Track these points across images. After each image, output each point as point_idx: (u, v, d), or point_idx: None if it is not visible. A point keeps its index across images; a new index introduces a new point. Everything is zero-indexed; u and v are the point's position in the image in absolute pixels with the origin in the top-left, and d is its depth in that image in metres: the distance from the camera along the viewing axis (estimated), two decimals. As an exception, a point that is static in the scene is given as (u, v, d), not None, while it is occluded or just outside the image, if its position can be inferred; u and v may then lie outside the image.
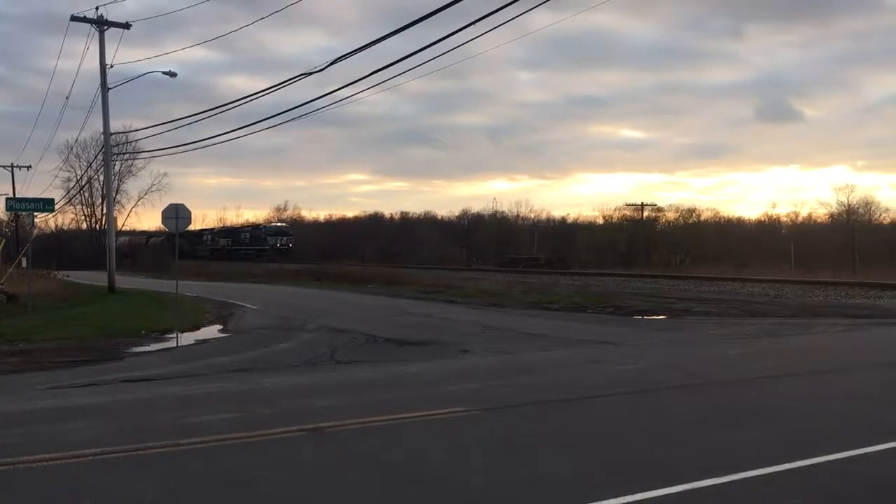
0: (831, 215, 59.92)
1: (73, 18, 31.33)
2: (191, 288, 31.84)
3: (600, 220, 70.55)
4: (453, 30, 17.35)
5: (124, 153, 61.65)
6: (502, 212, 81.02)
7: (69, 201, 77.55)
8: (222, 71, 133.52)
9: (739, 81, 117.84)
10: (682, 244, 59.28)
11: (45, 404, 9.39)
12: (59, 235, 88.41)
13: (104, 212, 62.93)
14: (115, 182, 69.51)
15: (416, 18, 17.44)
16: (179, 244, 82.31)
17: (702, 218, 66.19)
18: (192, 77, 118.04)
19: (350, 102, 76.89)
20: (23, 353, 14.17)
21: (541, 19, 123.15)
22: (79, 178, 75.01)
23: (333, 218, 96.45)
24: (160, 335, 17.17)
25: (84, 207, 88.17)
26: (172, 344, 15.99)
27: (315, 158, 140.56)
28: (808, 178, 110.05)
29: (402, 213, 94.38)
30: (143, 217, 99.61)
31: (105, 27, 31.47)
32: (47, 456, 6.63)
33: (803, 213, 65.86)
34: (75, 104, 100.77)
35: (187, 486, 5.86)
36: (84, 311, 23.50)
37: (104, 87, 31.95)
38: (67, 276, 45.09)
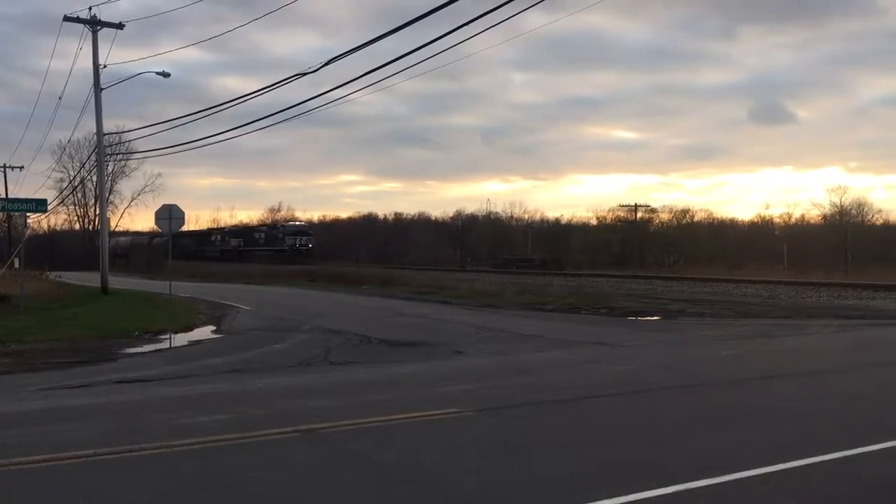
0: (824, 216, 60.18)
1: (67, 18, 31.25)
2: (185, 289, 31.76)
3: (594, 221, 70.70)
4: (447, 30, 17.36)
5: (117, 154, 61.66)
6: (496, 213, 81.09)
7: (62, 202, 77.37)
8: (216, 71, 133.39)
9: (733, 83, 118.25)
10: (675, 245, 59.45)
11: (37, 405, 9.35)
12: (52, 236, 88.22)
13: (97, 212, 62.87)
14: (108, 183, 69.52)
15: (409, 19, 17.45)
16: (185, 244, 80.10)
17: (695, 219, 66.44)
18: (186, 77, 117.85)
19: (344, 103, 76.26)
20: (15, 354, 14.12)
21: (534, 20, 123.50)
22: (72, 178, 74.80)
23: (327, 219, 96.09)
24: (153, 336, 17.13)
25: (77, 208, 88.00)
26: (166, 345, 15.94)
27: (309, 159, 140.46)
28: (801, 180, 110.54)
29: (395, 213, 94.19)
30: (136, 218, 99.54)
31: (98, 27, 31.40)
32: (41, 457, 6.60)
33: (796, 215, 66.06)
34: (68, 104, 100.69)
35: (181, 488, 5.84)
36: (76, 311, 23.44)
37: (97, 88, 31.87)
38: (60, 276, 44.95)
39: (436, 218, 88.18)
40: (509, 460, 6.53)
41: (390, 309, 23.62)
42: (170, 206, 23.11)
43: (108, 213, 57.30)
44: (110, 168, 71.79)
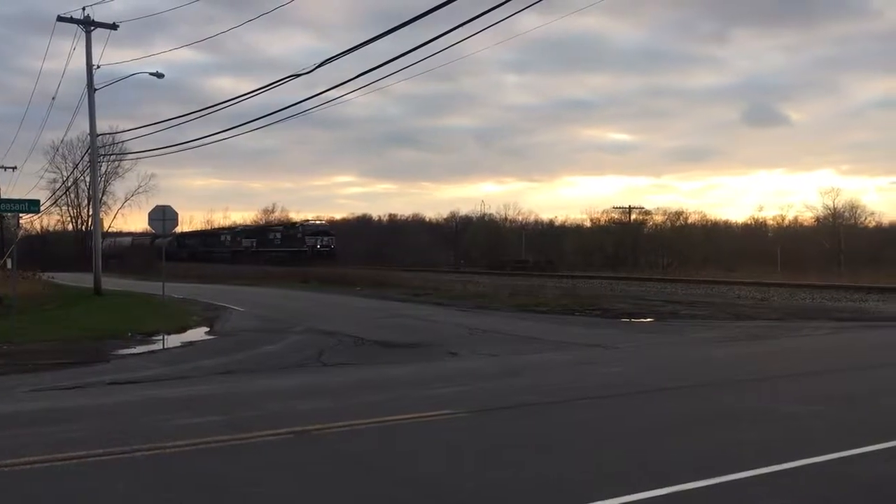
0: (817, 219, 60.46)
1: (60, 19, 31.19)
2: (178, 290, 31.69)
3: (588, 223, 70.93)
4: (441, 32, 17.37)
5: (111, 154, 61.40)
6: (490, 214, 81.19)
7: (55, 202, 77.18)
8: (210, 72, 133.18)
9: (726, 85, 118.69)
10: (669, 247, 59.59)
11: (29, 406, 9.31)
12: (45, 237, 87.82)
13: (90, 213, 62.67)
14: (102, 183, 69.16)
15: (403, 21, 17.44)
16: (191, 245, 77.31)
17: (689, 221, 66.70)
18: (180, 78, 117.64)
19: (338, 104, 76.20)
20: (7, 355, 14.05)
21: (528, 22, 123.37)
22: (65, 179, 74.64)
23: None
24: (146, 337, 17.09)
25: (70, 209, 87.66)
26: (158, 346, 15.90)
27: (303, 160, 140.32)
28: (794, 182, 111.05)
29: (390, 215, 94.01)
30: (129, 219, 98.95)
31: (92, 28, 31.34)
32: (32, 458, 6.57)
33: (789, 217, 66.39)
34: (61, 105, 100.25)
35: (174, 489, 5.81)
36: (69, 312, 23.37)
37: (91, 88, 31.79)
38: (53, 277, 44.79)
39: (430, 219, 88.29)
40: (504, 462, 6.52)
41: (384, 310, 23.60)
42: (163, 206, 23.07)
43: (102, 214, 57.20)
44: (104, 169, 71.48)
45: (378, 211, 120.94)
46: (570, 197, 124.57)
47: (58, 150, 76.14)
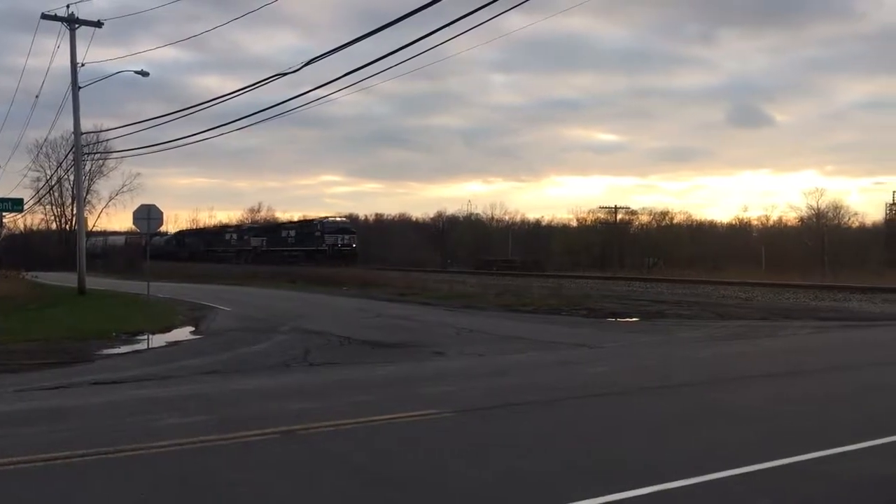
0: (801, 219, 60.88)
1: (44, 16, 30.96)
2: (163, 289, 31.52)
3: (574, 223, 71.10)
4: (427, 32, 17.38)
5: (95, 153, 60.95)
6: (477, 214, 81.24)
7: (38, 201, 76.43)
8: (194, 71, 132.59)
9: (711, 86, 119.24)
10: (655, 247, 59.83)
11: (13, 407, 9.25)
12: (29, 236, 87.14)
13: (74, 212, 62.26)
14: (86, 182, 68.80)
15: (389, 21, 17.45)
16: (192, 244, 73.80)
17: (675, 221, 67.05)
18: (164, 77, 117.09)
19: (324, 103, 75.58)
20: (-10, 356, 13.94)
21: (514, 22, 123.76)
22: (49, 177, 74.00)
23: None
24: (131, 337, 17.00)
25: (54, 208, 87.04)
26: (143, 346, 15.83)
27: (289, 159, 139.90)
28: (779, 183, 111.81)
29: (376, 214, 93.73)
30: (114, 218, 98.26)
31: (76, 25, 31.14)
32: (15, 459, 6.53)
33: (774, 217, 66.79)
34: (45, 103, 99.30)
35: (159, 490, 5.80)
36: (53, 312, 23.22)
37: (75, 86, 31.59)
38: (36, 276, 44.51)
39: (417, 219, 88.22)
40: (489, 461, 6.54)
41: (371, 310, 23.59)
42: (148, 206, 23.00)
43: (86, 213, 56.73)
44: (88, 167, 71.06)
45: (365, 210, 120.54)
46: (556, 197, 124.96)
47: (42, 148, 75.55)
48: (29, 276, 44.14)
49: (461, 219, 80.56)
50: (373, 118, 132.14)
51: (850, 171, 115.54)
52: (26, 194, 70.15)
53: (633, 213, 68.25)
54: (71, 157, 39.81)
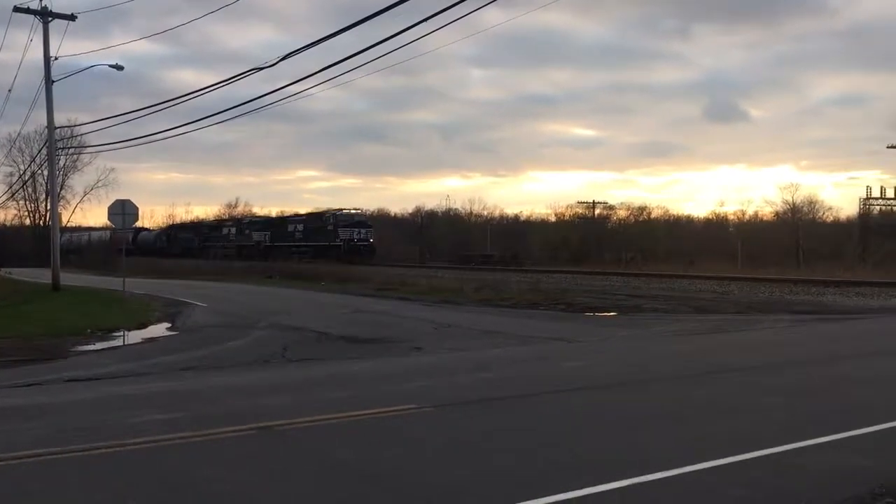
0: (777, 214, 61.32)
1: (17, 9, 30.53)
2: (139, 286, 31.27)
3: (553, 218, 71.22)
4: (404, 27, 17.34)
5: (69, 148, 60.12)
6: (456, 209, 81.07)
7: (12, 196, 75.56)
8: (170, 65, 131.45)
9: (688, 81, 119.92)
10: (632, 242, 60.06)
11: (-15, 405, 9.13)
12: (2, 232, 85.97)
13: (48, 207, 61.47)
14: (60, 177, 67.75)
15: (366, 15, 17.38)
16: (185, 239, 70.07)
17: (652, 216, 67.26)
18: (139, 70, 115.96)
19: (301, 98, 74.93)
20: (-38, 353, 13.76)
21: (491, 17, 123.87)
22: (22, 173, 73.01)
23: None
24: (106, 334, 16.84)
25: (27, 203, 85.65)
26: (119, 343, 15.69)
27: (266, 154, 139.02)
28: (755, 178, 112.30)
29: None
30: (88, 213, 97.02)
31: (49, 18, 30.77)
32: (-12, 458, 6.45)
33: (750, 212, 67.25)
34: (18, 97, 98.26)
35: (135, 487, 5.75)
36: (27, 309, 22.95)
37: (48, 80, 31.20)
38: (10, 273, 43.95)
39: (395, 214, 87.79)
40: (467, 455, 6.55)
41: (349, 305, 23.53)
42: (123, 201, 22.75)
43: (60, 209, 56.17)
44: (62, 162, 69.83)
45: (343, 205, 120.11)
46: (534, 192, 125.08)
47: (15, 143, 74.43)
48: (2, 272, 43.57)
49: (440, 214, 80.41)
50: (350, 113, 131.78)
51: (825, 166, 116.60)
52: (-1, 189, 69.34)
53: (611, 208, 68.58)
54: (44, 151, 39.36)
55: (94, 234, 75.40)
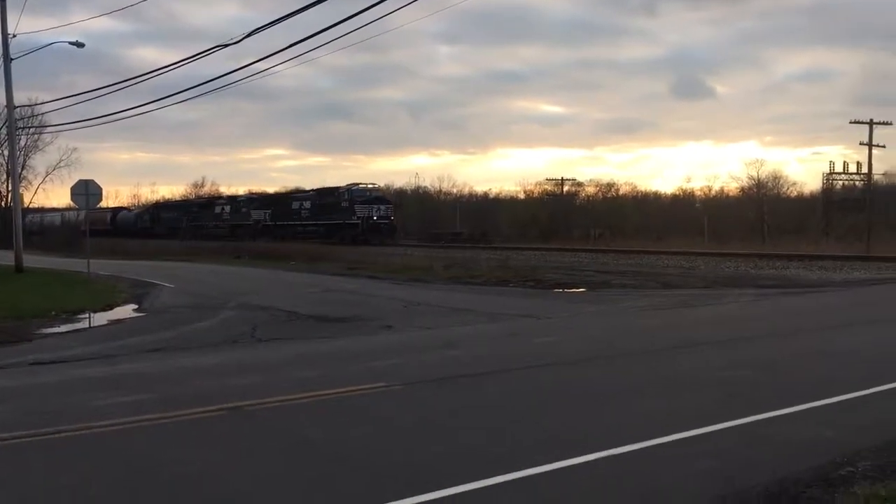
0: (742, 189, 62.01)
1: (-29, -16, 29.69)
2: (105, 267, 30.83)
3: (522, 195, 71.40)
4: (371, 3, 17.15)
5: (30, 127, 58.87)
6: (425, 187, 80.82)
7: (-29, 177, 73.76)
8: (131, 42, 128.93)
9: (654, 58, 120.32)
10: (601, 218, 60.49)
11: (-53, 390, 8.97)
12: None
13: (10, 188, 60.24)
14: (21, 157, 66.39)
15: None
16: (170, 219, 66.24)
17: (620, 192, 67.73)
18: (100, 48, 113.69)
19: (267, 76, 73.59)
20: (-78, 337, 13.49)
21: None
22: (-19, 153, 71.33)
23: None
24: (71, 316, 16.60)
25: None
26: (84, 325, 15.48)
27: (232, 133, 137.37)
28: (721, 154, 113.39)
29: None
30: (51, 194, 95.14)
31: (6, -6, 29.93)
32: (-51, 443, 6.35)
33: (716, 188, 67.95)
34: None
35: (102, 470, 5.70)
36: (-11, 292, 22.51)
37: (6, 58, 30.45)
38: (-30, 255, 43.04)
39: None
40: (436, 433, 6.58)
41: (319, 285, 23.43)
42: (86, 181, 22.42)
43: (22, 189, 55.00)
44: (22, 142, 68.38)
45: (311, 184, 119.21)
46: (503, 169, 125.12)
47: (-27, 123, 72.77)
48: (-38, 254, 42.67)
49: (409, 192, 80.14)
50: (317, 91, 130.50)
51: (789, 141, 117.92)
52: (-43, 170, 67.76)
53: (580, 184, 68.93)
54: (4, 131, 38.53)
55: (62, 216, 73.76)
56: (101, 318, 16.31)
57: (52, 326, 15.12)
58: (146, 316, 16.98)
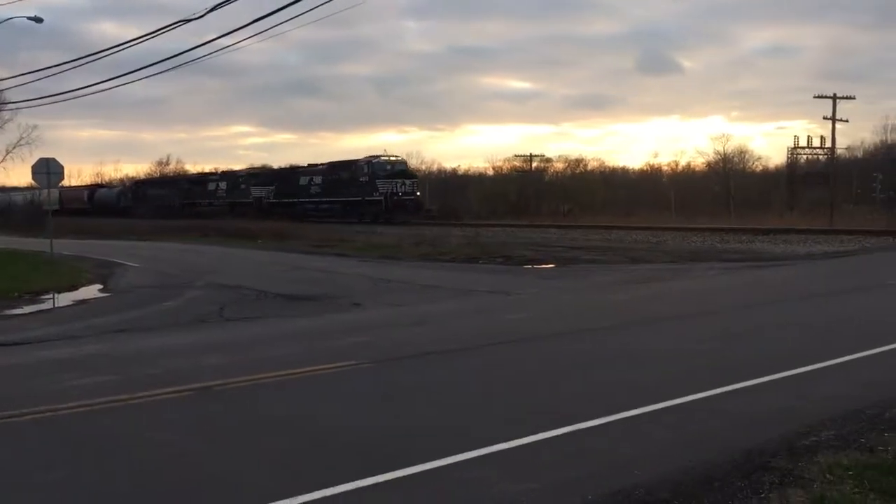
0: (709, 164, 62.62)
1: (-77, -43, 28.75)
2: (69, 247, 30.32)
3: (491, 172, 71.36)
4: (338, -24, 16.90)
5: (-12, 104, 57.47)
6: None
7: (-71, 157, 71.99)
8: (91, 16, 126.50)
9: (622, 33, 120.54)
10: (570, 194, 60.75)
11: None
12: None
13: (-31, 168, 58.89)
14: (-20, 136, 64.91)
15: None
16: (156, 196, 62.04)
17: (588, 168, 67.99)
18: (60, 23, 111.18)
19: (232, 51, 72.69)
20: None
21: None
22: (-61, 131, 69.59)
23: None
24: (35, 297, 16.31)
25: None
26: (48, 305, 15.25)
27: (197, 110, 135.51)
28: (688, 129, 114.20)
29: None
30: (12, 173, 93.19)
31: (-40, -33, 29.11)
32: None
33: (683, 163, 68.55)
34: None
35: (68, 452, 5.64)
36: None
37: (-38, 33, 29.66)
38: (-71, 236, 42.14)
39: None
40: (404, 410, 6.59)
41: (287, 263, 23.28)
42: (47, 159, 21.98)
43: (-18, 168, 53.73)
44: (-19, 120, 67.03)
45: (278, 161, 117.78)
46: (472, 146, 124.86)
47: (-71, 100, 70.90)
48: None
49: (377, 169, 79.67)
50: (284, 67, 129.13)
51: (754, 116, 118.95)
52: (-86, 149, 66.08)
53: (548, 160, 68.99)
54: (-39, 109, 37.56)
55: (23, 196, 72.03)
56: (65, 299, 16.08)
57: (15, 308, 14.86)
58: (111, 296, 16.75)
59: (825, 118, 47.10)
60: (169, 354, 9.47)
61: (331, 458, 5.38)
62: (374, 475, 4.92)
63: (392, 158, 47.64)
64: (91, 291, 17.61)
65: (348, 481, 4.82)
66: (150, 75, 36.08)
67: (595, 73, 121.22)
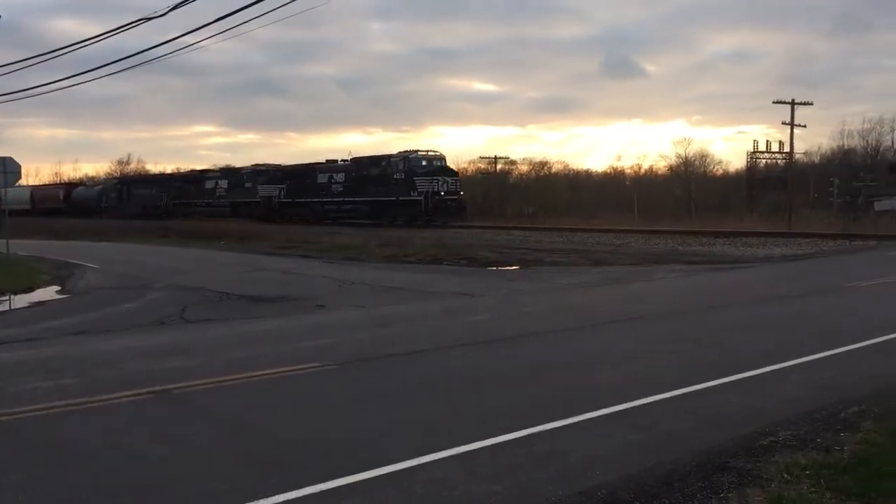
0: (670, 167, 63.38)
1: None
2: (27, 248, 29.75)
3: (456, 173, 71.38)
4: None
5: (-57, 101, 56.18)
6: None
7: None
8: (51, 13, 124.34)
9: (587, 36, 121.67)
10: (534, 196, 61.04)
11: None
12: None
13: (-78, 166, 57.48)
14: (-66, 133, 63.43)
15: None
16: (146, 196, 57.76)
17: (552, 170, 68.46)
18: (17, 20, 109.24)
19: (194, 50, 71.76)
20: None
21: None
22: None
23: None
24: (-10, 298, 15.98)
25: None
26: (4, 307, 14.93)
27: (159, 109, 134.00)
28: (650, 132, 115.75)
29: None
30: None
31: (-87, -40, 28.39)
32: None
33: (645, 166, 69.34)
34: None
35: (25, 456, 5.52)
36: None
37: (-85, 28, 28.95)
38: None
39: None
40: (369, 411, 6.57)
41: (250, 264, 23.07)
42: (4, 158, 21.53)
43: (-65, 167, 52.56)
44: (-65, 117, 65.46)
45: (242, 162, 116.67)
46: (438, 147, 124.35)
47: None
48: None
49: (342, 170, 79.28)
50: (247, 66, 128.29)
51: (715, 120, 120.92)
52: None
53: (513, 163, 69.34)
54: (-86, 105, 36.66)
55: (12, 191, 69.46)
56: (21, 301, 15.76)
57: (-31, 310, 14.54)
58: (70, 297, 16.46)
59: (784, 123, 48.00)
60: (128, 357, 9.33)
61: (295, 461, 5.34)
62: (338, 477, 4.90)
63: (430, 154, 42.29)
64: (48, 293, 17.28)
65: (312, 484, 4.80)
66: (112, 73, 35.60)
67: (560, 76, 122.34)
